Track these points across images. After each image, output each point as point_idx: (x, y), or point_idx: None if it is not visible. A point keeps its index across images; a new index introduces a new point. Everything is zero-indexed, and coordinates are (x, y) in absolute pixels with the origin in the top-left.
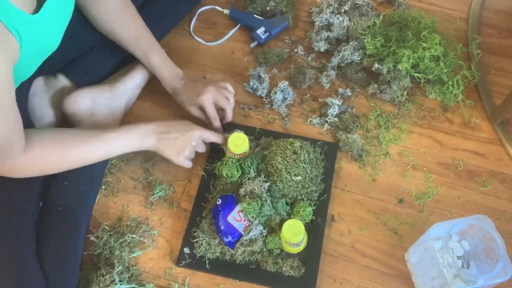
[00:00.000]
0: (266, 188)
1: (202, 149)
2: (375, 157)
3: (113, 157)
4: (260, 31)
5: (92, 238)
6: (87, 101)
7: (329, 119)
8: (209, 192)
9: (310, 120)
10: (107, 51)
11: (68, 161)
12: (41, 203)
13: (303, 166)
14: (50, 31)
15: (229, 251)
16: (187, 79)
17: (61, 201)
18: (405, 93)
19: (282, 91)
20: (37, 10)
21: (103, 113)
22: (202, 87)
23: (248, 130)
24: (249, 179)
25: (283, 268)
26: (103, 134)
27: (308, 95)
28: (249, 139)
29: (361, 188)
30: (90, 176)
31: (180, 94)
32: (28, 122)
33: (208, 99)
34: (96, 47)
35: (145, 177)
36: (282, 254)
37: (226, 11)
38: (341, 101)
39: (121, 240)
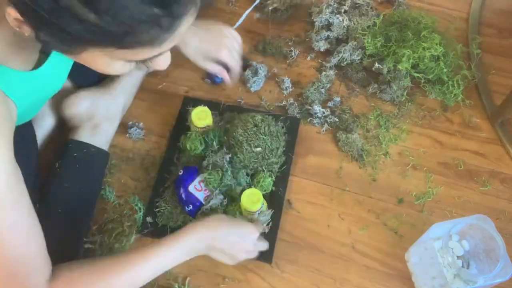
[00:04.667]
0: (228, 159)
1: (257, 250)
2: (375, 157)
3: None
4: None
5: (86, 245)
6: (86, 103)
7: (329, 118)
8: (173, 165)
9: (310, 120)
10: None
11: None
12: (37, 205)
13: (263, 138)
14: (54, 78)
15: (190, 220)
16: (197, 29)
17: (61, 203)
18: (405, 93)
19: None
20: (37, 65)
21: (102, 114)
22: (218, 41)
23: (213, 105)
24: (212, 151)
25: None
26: (146, 253)
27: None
28: (214, 114)
29: (361, 188)
30: (91, 177)
31: (191, 47)
32: (29, 124)
33: (228, 54)
34: None
35: (145, 177)
36: None
37: None
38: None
39: (115, 233)
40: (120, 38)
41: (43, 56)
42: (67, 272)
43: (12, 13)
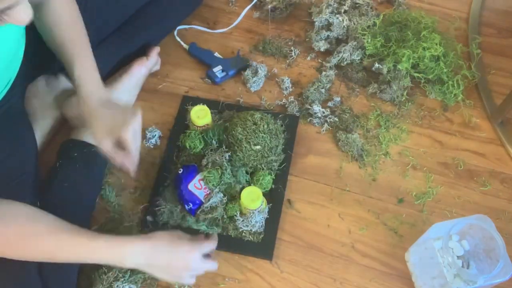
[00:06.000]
0: (227, 157)
1: (202, 269)
2: (375, 157)
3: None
4: (217, 69)
5: None
6: None
7: (329, 118)
8: (173, 163)
9: (310, 120)
10: (108, 51)
11: (30, 250)
12: (38, 204)
13: (263, 136)
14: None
15: (190, 218)
16: (111, 105)
17: (61, 202)
18: (405, 93)
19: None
20: None
21: None
22: (128, 117)
23: (212, 104)
24: (211, 150)
25: (243, 234)
26: (80, 236)
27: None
28: (213, 112)
29: (361, 188)
30: (91, 177)
31: (94, 119)
32: (27, 123)
33: (132, 136)
34: (97, 47)
35: (145, 177)
36: None
37: (186, 46)
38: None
39: (115, 233)
40: None
41: None
42: (5, 216)
43: None
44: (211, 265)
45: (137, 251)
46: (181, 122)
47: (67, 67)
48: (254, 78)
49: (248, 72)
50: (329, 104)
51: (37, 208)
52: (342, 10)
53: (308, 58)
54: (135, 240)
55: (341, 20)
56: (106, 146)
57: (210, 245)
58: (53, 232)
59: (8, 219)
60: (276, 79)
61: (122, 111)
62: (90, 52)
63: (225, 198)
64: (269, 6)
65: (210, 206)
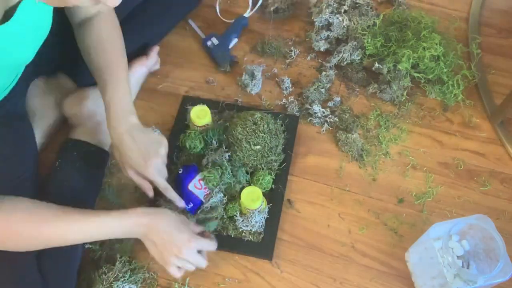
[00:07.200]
0: (227, 157)
1: (192, 265)
2: (375, 157)
3: (93, 241)
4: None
5: (87, 246)
6: (87, 102)
7: (329, 118)
8: (173, 163)
9: (310, 119)
10: None
11: (39, 238)
12: None
13: (262, 136)
14: (19, 43)
15: (191, 217)
16: (137, 134)
17: (61, 202)
18: (405, 93)
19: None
20: (4, 21)
21: (102, 114)
22: (153, 153)
23: (212, 103)
24: (211, 150)
25: (243, 234)
26: (88, 215)
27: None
28: (213, 112)
29: (361, 188)
30: (91, 176)
31: (119, 149)
32: (27, 123)
33: (154, 173)
34: None
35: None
36: None
37: (202, 35)
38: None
39: None
40: None
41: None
42: (7, 209)
43: None
44: (201, 261)
45: (140, 223)
46: (181, 122)
47: (100, 90)
48: (254, 81)
49: (245, 77)
50: (329, 104)
51: (36, 199)
52: (342, 10)
53: (308, 58)
54: (141, 211)
55: (341, 20)
56: (132, 176)
57: (210, 245)
58: (60, 215)
59: (9, 211)
60: (276, 79)
61: (148, 142)
62: (125, 76)
63: (225, 198)
64: (272, 8)
65: (210, 206)
